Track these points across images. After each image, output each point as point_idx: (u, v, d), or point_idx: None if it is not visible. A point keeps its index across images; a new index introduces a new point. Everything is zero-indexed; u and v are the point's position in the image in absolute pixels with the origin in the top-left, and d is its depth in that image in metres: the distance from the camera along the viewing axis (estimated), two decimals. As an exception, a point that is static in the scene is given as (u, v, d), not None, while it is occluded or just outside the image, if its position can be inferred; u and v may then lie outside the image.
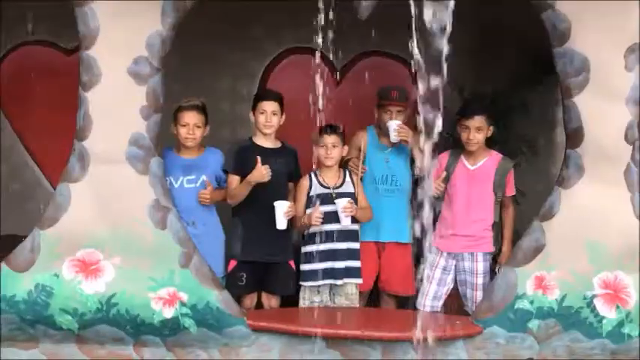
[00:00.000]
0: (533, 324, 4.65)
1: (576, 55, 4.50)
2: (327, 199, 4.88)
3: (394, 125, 5.03)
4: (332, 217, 4.87)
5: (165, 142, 4.76)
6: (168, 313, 4.59)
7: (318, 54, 4.82)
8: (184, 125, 4.83)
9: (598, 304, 4.64)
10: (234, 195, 4.85)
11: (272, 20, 6.34)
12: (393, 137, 5.03)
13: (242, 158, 4.83)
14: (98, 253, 4.54)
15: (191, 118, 4.82)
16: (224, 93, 6.41)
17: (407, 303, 5.31)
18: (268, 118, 4.87)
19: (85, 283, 4.52)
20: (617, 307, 4.64)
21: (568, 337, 4.68)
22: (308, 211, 4.89)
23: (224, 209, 5.07)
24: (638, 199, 4.61)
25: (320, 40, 4.38)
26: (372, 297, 5.34)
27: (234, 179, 4.88)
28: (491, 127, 4.91)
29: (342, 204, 4.82)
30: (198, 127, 4.85)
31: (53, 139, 5.78)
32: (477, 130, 4.83)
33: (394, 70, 6.35)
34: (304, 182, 4.97)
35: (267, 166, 4.72)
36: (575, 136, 4.61)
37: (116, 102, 4.47)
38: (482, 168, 4.93)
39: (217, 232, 4.97)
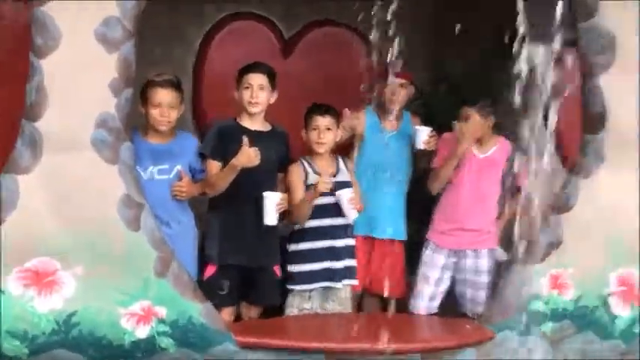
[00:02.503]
0: (547, 327, 4.27)
1: (603, 31, 4.10)
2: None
3: (426, 132, 4.43)
4: (330, 209, 4.22)
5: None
6: (142, 332, 3.80)
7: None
8: (156, 105, 3.99)
9: (613, 302, 4.34)
10: (214, 183, 4.07)
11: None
12: (420, 145, 4.43)
13: (224, 141, 4.06)
14: (54, 262, 3.67)
15: (165, 96, 4.00)
16: (157, 61, 5.49)
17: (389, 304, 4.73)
18: (254, 93, 4.12)
19: (38, 299, 3.65)
20: (632, 305, 4.33)
21: (581, 338, 4.35)
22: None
23: (198, 204, 4.28)
24: (656, 189, 4.30)
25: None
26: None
27: (213, 165, 4.10)
28: (491, 116, 4.42)
29: (347, 196, 4.17)
30: (173, 107, 4.02)
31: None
32: (465, 120, 4.37)
33: (349, 42, 5.71)
34: (297, 168, 4.26)
35: (255, 148, 3.97)
36: (596, 121, 4.24)
37: (79, 73, 3.61)
38: (491, 157, 4.45)
39: (192, 231, 4.18)
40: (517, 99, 4.57)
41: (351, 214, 4.21)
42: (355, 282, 4.39)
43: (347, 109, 4.45)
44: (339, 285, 4.30)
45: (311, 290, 4.28)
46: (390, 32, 4.57)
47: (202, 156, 4.13)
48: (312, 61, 5.67)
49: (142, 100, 4.01)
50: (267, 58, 4.94)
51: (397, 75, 4.53)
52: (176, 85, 4.05)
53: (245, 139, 3.98)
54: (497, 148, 4.47)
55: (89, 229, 3.69)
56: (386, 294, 4.53)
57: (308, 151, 4.32)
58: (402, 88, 4.54)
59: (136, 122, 3.99)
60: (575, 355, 4.34)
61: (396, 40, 4.52)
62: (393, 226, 4.57)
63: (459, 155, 4.34)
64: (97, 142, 3.67)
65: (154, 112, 3.98)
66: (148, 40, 4.46)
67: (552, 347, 4.29)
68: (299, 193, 4.20)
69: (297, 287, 4.27)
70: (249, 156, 3.96)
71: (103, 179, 3.70)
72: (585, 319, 4.30)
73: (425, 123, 4.64)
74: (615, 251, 4.28)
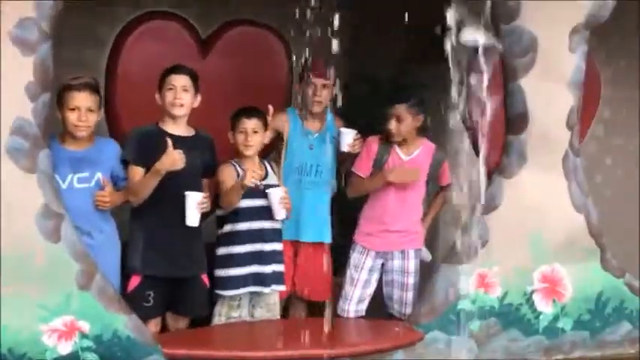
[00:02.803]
0: (475, 325, 4.30)
1: (525, 34, 4.16)
2: (252, 192, 4.10)
3: (351, 135, 4.37)
4: (259, 212, 4.13)
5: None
6: (65, 348, 3.63)
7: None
8: (73, 109, 3.80)
9: (536, 299, 4.43)
10: (137, 190, 3.91)
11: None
12: (345, 147, 4.37)
13: (146, 147, 3.90)
14: (-31, 278, 3.44)
15: (83, 100, 3.81)
16: (67, 62, 5.26)
17: (316, 308, 4.68)
18: (178, 94, 3.98)
19: (-49, 318, 3.42)
20: (554, 300, 4.43)
21: (507, 336, 4.42)
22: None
23: (120, 212, 4.10)
24: (575, 188, 4.40)
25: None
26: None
27: (137, 171, 3.93)
28: (420, 116, 4.40)
29: (278, 194, 4.09)
30: (92, 111, 3.84)
31: None
32: (397, 120, 4.34)
33: (268, 42, 5.61)
34: (229, 168, 4.14)
35: (180, 151, 3.83)
36: (518, 122, 4.31)
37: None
38: (416, 159, 4.44)
39: (114, 241, 4.00)
40: (439, 100, 4.66)
41: (281, 214, 4.12)
42: (283, 287, 4.31)
43: (270, 105, 4.35)
44: (267, 290, 4.21)
45: (240, 298, 4.17)
46: (308, 32, 4.55)
47: (125, 162, 3.96)
48: (230, 61, 5.52)
49: (59, 105, 3.80)
50: (185, 58, 4.79)
51: (318, 75, 4.45)
52: (94, 88, 3.87)
53: (169, 141, 3.84)
54: (422, 150, 4.46)
55: (6, 241, 3.48)
56: (311, 297, 4.48)
57: (235, 154, 4.20)
58: (324, 89, 4.47)
59: (53, 129, 3.80)
60: (500, 353, 4.40)
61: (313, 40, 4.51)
62: (318, 229, 4.50)
63: (379, 185, 4.33)
64: (12, 150, 3.47)
65: (72, 117, 3.79)
66: (59, 41, 4.27)
67: (479, 346, 4.33)
68: (230, 183, 4.08)
69: (226, 292, 4.14)
70: (173, 159, 3.82)
71: (20, 189, 3.51)
72: (510, 316, 4.36)
73: (347, 125, 4.60)
74: (538, 249, 4.37)
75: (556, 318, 4.44)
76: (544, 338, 4.44)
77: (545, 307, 4.41)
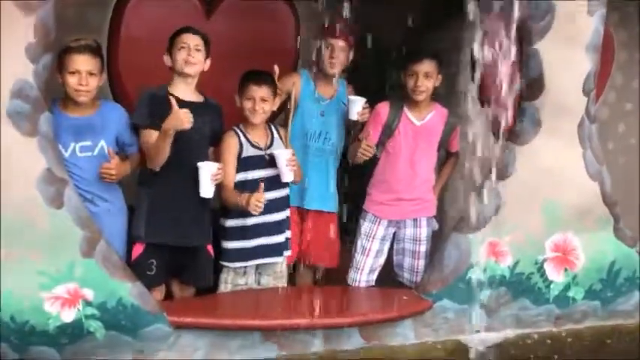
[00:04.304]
0: (484, 294, 4.22)
1: (542, -3, 4.02)
2: (259, 162, 4.00)
3: (360, 103, 4.20)
4: (268, 184, 4.00)
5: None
6: (69, 316, 3.56)
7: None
8: (74, 72, 3.67)
9: (548, 268, 4.34)
10: (152, 154, 3.78)
11: None
12: (354, 116, 4.21)
13: (157, 110, 3.76)
14: (-30, 245, 3.36)
15: (83, 63, 3.68)
16: (69, 23, 5.11)
17: (321, 275, 4.60)
18: (192, 53, 3.84)
19: (-48, 285, 3.34)
20: (565, 270, 4.35)
21: (517, 305, 4.35)
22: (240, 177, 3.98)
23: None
24: (590, 155, 4.29)
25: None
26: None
27: (152, 135, 3.79)
28: (440, 76, 4.27)
29: (285, 156, 3.96)
30: (93, 74, 3.72)
31: None
32: (425, 76, 4.18)
33: (273, 3, 5.45)
34: (232, 140, 4.02)
35: (186, 110, 3.70)
36: (534, 87, 4.19)
37: (-8, 37, 3.26)
38: (429, 124, 4.30)
39: (119, 208, 3.90)
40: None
41: (289, 176, 3.99)
42: (289, 252, 4.21)
43: (276, 65, 4.21)
44: (277, 260, 4.12)
45: (246, 266, 4.09)
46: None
47: (136, 127, 3.84)
48: (236, 21, 5.36)
49: (59, 69, 3.67)
50: (189, 18, 4.67)
51: (336, 36, 4.30)
52: (95, 51, 3.74)
53: (173, 101, 3.70)
54: (434, 114, 4.32)
55: (7, 207, 3.40)
56: (318, 264, 4.40)
57: (242, 119, 4.09)
58: (341, 51, 4.32)
59: (55, 94, 3.70)
60: (510, 322, 4.33)
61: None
62: (324, 198, 4.39)
63: None
64: (13, 113, 3.37)
65: (72, 81, 3.67)
66: (61, 1, 4.14)
67: (488, 315, 4.26)
68: (230, 168, 3.96)
69: (232, 265, 4.06)
70: (179, 118, 3.68)
71: (21, 154, 3.41)
72: (521, 285, 4.29)
73: (356, 92, 4.46)
74: (552, 217, 4.28)
75: (567, 287, 4.36)
76: (555, 307, 4.38)
77: (557, 277, 4.34)
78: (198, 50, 3.85)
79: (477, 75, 4.01)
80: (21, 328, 3.47)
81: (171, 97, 3.75)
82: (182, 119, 3.68)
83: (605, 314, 4.45)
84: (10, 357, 3.53)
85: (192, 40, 3.85)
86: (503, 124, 4.02)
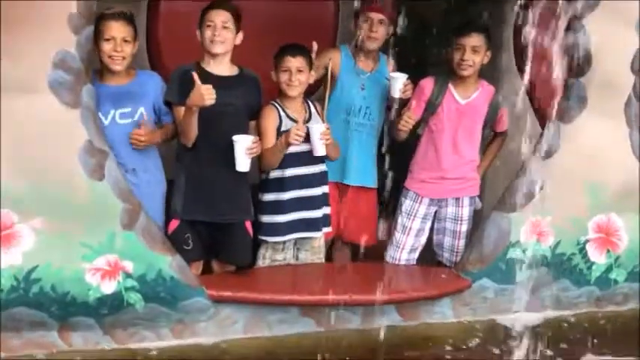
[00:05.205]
0: (525, 274, 4.15)
1: (590, -28, 3.92)
2: (296, 137, 3.96)
3: (402, 80, 4.12)
4: (305, 157, 3.97)
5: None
6: (109, 287, 3.58)
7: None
8: (109, 39, 3.66)
9: (590, 249, 4.28)
10: (182, 131, 3.77)
11: None
12: (397, 93, 4.13)
13: (188, 87, 3.70)
14: (12, 215, 3.39)
15: (118, 29, 3.67)
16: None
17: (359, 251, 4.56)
18: (217, 31, 3.79)
19: (-5, 254, 3.37)
20: (608, 251, 4.28)
21: (557, 286, 4.29)
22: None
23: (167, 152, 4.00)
24: (636, 135, 4.20)
25: None
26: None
27: (181, 111, 3.76)
28: (489, 52, 4.18)
29: (319, 130, 3.90)
30: (127, 41, 3.70)
31: None
32: (472, 50, 4.08)
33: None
34: (271, 112, 3.98)
35: (208, 86, 3.63)
36: (579, 64, 4.07)
37: (34, 8, 3.26)
38: (474, 102, 4.20)
39: (159, 180, 3.90)
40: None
41: (321, 150, 3.92)
42: (329, 229, 4.19)
43: (314, 42, 4.16)
44: (316, 234, 4.10)
45: (285, 241, 4.07)
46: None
47: (168, 104, 3.82)
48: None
49: (94, 38, 3.64)
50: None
51: (376, 9, 4.22)
52: (129, 18, 3.72)
53: (196, 77, 3.64)
54: (480, 92, 4.22)
55: (49, 179, 3.41)
56: (356, 241, 4.36)
57: (279, 94, 4.05)
58: (380, 24, 4.24)
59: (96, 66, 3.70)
60: (550, 303, 4.28)
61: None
62: (364, 173, 4.34)
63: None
64: (55, 84, 3.36)
65: (107, 47, 3.65)
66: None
67: (529, 295, 4.20)
68: (271, 138, 3.92)
69: (271, 239, 4.04)
70: (200, 94, 3.59)
71: (63, 125, 3.41)
72: (562, 266, 4.23)
73: (398, 68, 4.38)
74: (595, 197, 4.21)
75: (609, 269, 4.30)
76: (596, 289, 4.32)
77: (599, 258, 4.28)
78: (225, 28, 3.76)
79: (525, 51, 3.90)
80: (62, 298, 3.50)
81: (193, 73, 3.68)
82: (203, 95, 3.59)
83: (647, 297, 4.38)
84: (50, 326, 3.55)
85: (219, 18, 3.76)
86: (551, 102, 3.93)
